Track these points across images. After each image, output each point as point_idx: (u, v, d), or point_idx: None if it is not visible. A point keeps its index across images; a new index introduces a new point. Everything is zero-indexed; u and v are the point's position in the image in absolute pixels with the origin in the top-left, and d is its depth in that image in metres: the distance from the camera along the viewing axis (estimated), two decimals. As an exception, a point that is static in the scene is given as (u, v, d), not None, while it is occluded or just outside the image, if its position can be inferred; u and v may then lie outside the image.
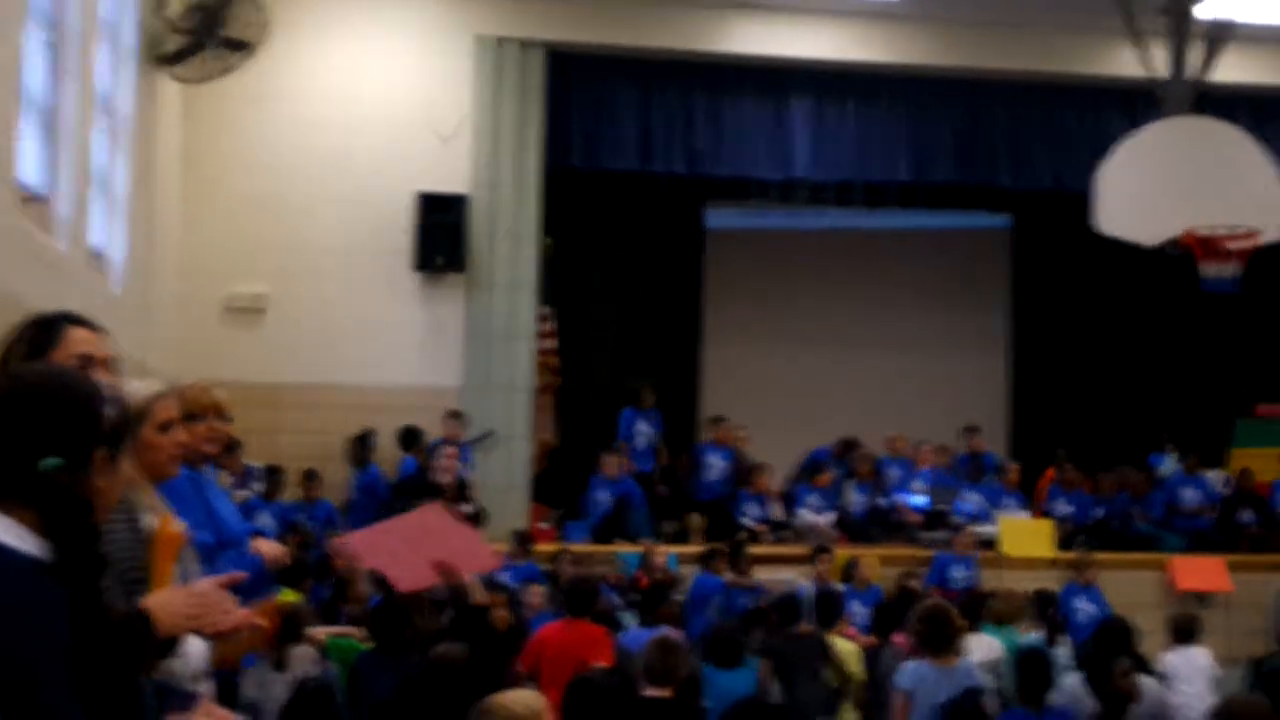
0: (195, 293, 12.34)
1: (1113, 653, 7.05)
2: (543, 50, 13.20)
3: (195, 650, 3.21)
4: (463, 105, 12.97)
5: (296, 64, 12.76)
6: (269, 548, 4.51)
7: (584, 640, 7.77)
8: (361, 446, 11.96)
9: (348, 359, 12.62)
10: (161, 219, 11.51)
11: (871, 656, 8.91)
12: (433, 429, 12.17)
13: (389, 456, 12.13)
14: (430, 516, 5.30)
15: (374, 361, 12.66)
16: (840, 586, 10.85)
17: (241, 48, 11.45)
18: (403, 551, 5.11)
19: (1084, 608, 11.33)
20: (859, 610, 10.60)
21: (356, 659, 7.25)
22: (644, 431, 13.29)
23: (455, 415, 12.26)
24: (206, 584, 2.90)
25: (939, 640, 6.60)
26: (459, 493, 10.36)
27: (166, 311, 11.75)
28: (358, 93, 12.92)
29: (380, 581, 8.70)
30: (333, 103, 12.85)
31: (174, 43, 11.18)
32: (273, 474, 11.48)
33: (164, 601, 2.78)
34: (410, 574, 5.18)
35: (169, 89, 11.66)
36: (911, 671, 6.60)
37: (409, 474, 11.61)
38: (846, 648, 8.92)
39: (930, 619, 6.69)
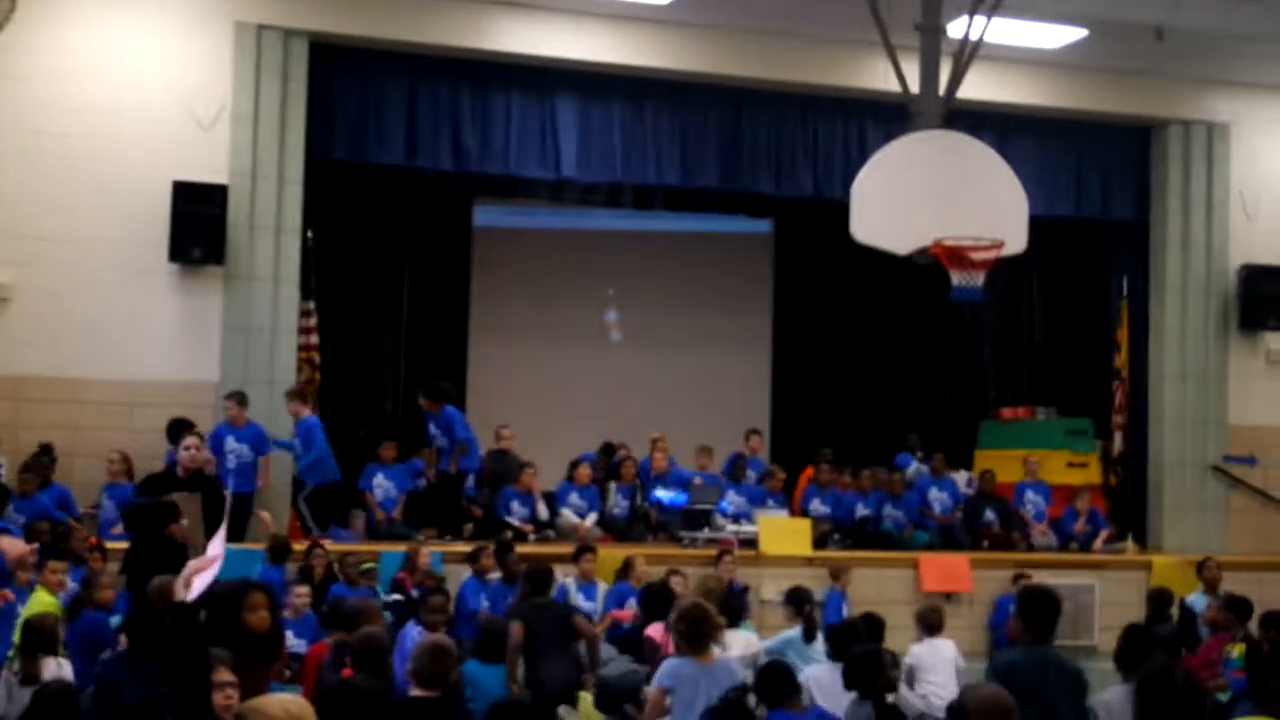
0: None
1: (866, 645, 7.29)
2: (306, 40, 12.92)
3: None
4: (223, 93, 12.59)
5: (46, 44, 12.21)
6: (11, 545, 4.34)
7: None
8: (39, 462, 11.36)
9: (98, 352, 12.13)
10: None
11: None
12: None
13: (159, 453, 11.64)
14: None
15: (127, 355, 12.19)
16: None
17: (-13, 26, 10.89)
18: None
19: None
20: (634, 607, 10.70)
21: (103, 666, 6.98)
22: (383, 485, 13.06)
23: (234, 397, 11.88)
24: None
25: (699, 639, 6.71)
26: (198, 484, 9.94)
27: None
28: (112, 76, 12.41)
29: (130, 583, 8.41)
30: (85, 86, 12.32)
31: (-88, 18, 10.57)
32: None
33: None
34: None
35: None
36: (671, 669, 6.69)
37: (165, 468, 11.14)
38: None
39: (690, 618, 6.79)
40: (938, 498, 14.61)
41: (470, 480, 13.03)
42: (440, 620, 8.53)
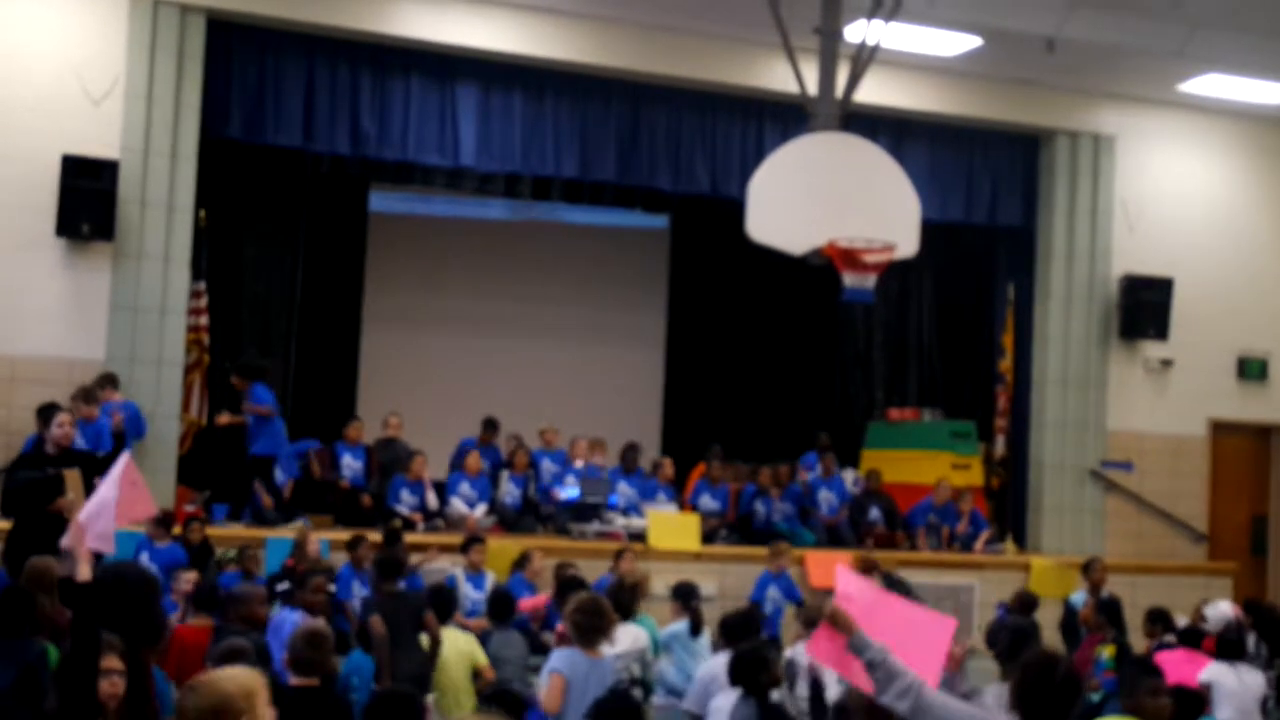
0: None
1: (746, 638, 7.37)
2: (203, 16, 12.72)
3: None
4: (116, 67, 12.35)
5: (-69, 9, 11.90)
6: None
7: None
8: None
9: (-22, 326, 11.86)
10: None
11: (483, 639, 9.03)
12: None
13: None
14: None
15: (10, 329, 11.92)
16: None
17: None
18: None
19: (774, 596, 11.83)
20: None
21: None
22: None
23: (107, 380, 11.68)
24: None
25: (593, 633, 6.71)
26: (70, 459, 9.71)
27: None
28: (1, 45, 12.12)
29: (10, 561, 8.23)
30: (-29, 53, 12.03)
31: None
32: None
33: None
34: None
35: None
36: (566, 657, 6.68)
37: (27, 448, 10.86)
38: (460, 637, 8.86)
39: (586, 610, 6.78)
40: (826, 497, 14.80)
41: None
42: (321, 600, 8.45)
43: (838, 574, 5.15)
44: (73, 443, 9.78)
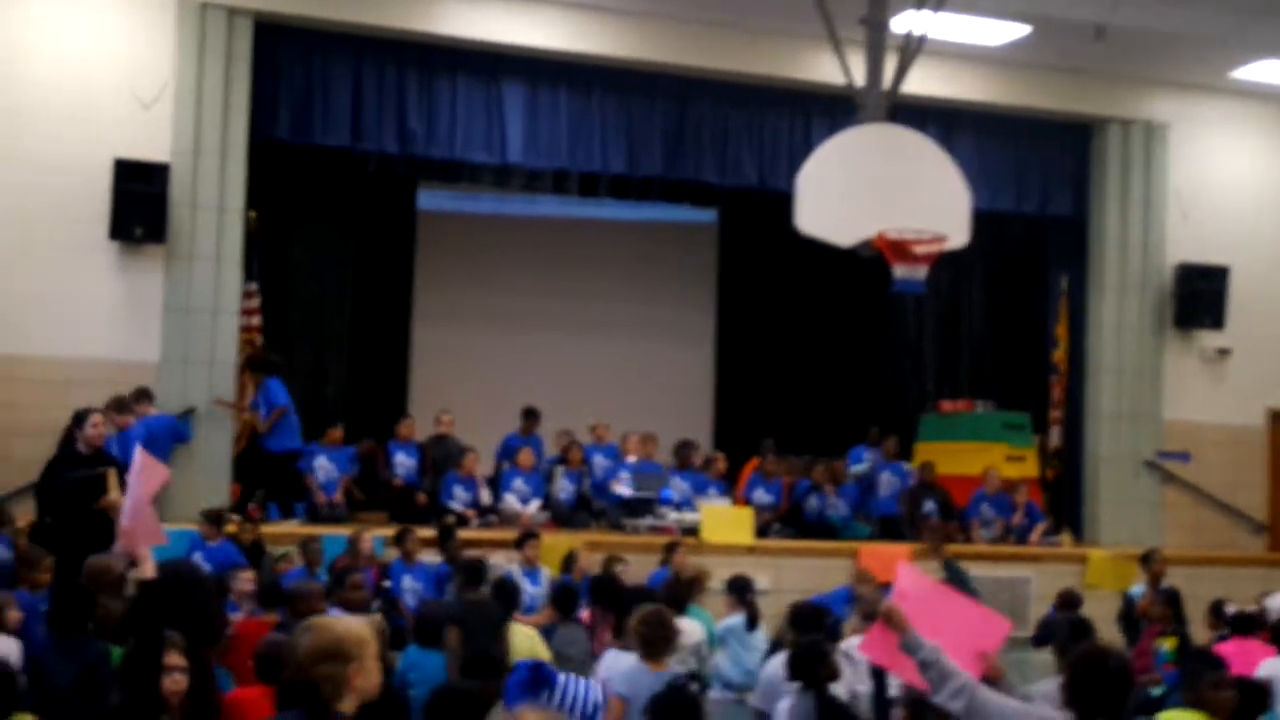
0: None
1: (818, 629, 7.33)
2: (250, 19, 12.80)
3: None
4: (165, 71, 12.47)
5: (-15, 17, 12.05)
6: None
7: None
8: None
9: (37, 330, 12.01)
10: None
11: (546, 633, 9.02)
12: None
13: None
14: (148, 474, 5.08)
15: (66, 333, 12.07)
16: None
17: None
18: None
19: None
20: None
21: (31, 647, 6.89)
22: (325, 467, 12.99)
23: (142, 394, 11.82)
24: None
25: (658, 644, 6.62)
26: (103, 459, 9.81)
27: None
28: (53, 52, 12.26)
29: (63, 563, 8.30)
30: (25, 60, 12.17)
31: None
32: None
33: None
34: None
35: None
36: (628, 677, 6.59)
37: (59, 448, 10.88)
38: (524, 632, 8.87)
39: (651, 622, 6.68)
40: (889, 480, 14.72)
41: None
42: (360, 597, 8.47)
43: (899, 571, 5.13)
44: (105, 443, 9.88)
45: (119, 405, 11.42)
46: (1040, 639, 10.72)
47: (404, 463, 13.43)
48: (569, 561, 11.21)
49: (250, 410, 12.76)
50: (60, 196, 12.12)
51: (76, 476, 9.34)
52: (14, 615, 6.96)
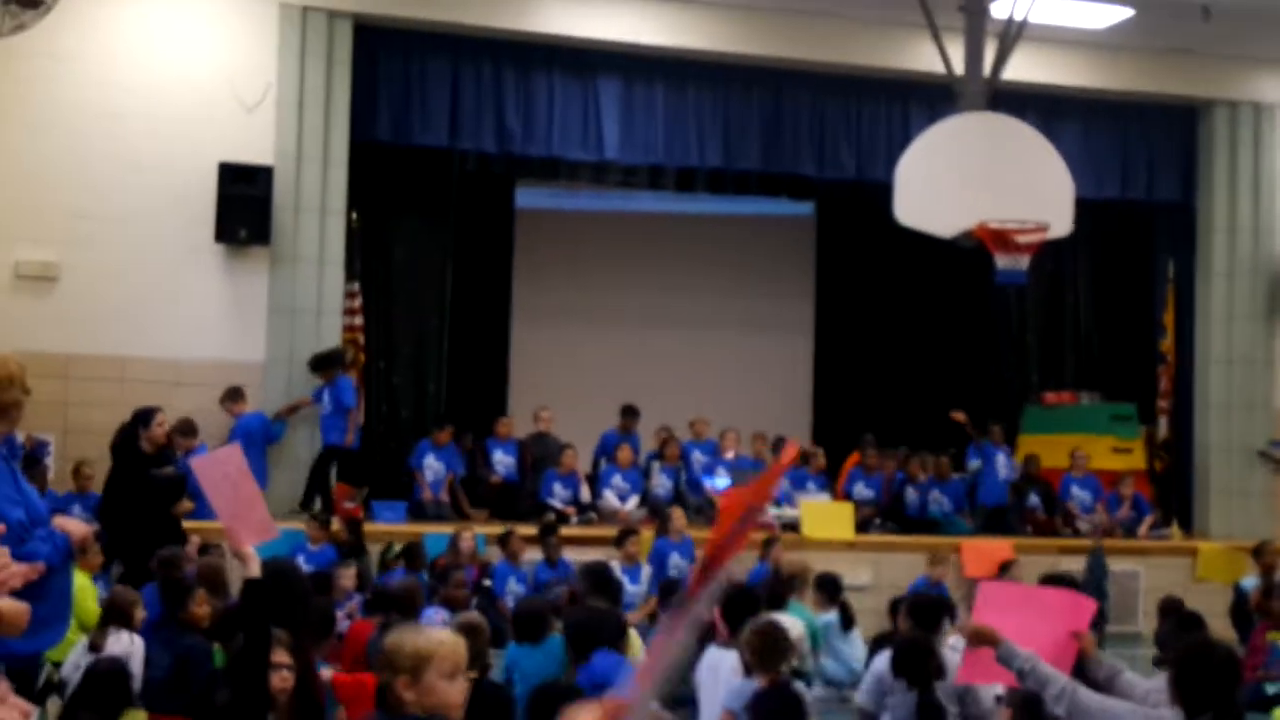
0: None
1: (937, 623, 7.24)
2: (350, 21, 12.97)
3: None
4: (267, 75, 12.67)
5: (94, 24, 12.33)
6: (75, 526, 4.42)
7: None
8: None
9: (145, 331, 12.27)
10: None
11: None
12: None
13: (207, 431, 11.70)
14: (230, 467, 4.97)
15: (173, 334, 12.33)
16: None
17: (36, 5, 10.94)
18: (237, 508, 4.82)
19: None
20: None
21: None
22: (434, 466, 13.11)
23: (236, 392, 12.14)
24: None
25: (773, 656, 6.48)
26: (166, 459, 9.92)
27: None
28: (158, 56, 12.52)
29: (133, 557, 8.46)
30: (133, 66, 12.44)
31: (-38, -1, 10.64)
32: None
33: None
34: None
35: (-45, 47, 11.13)
36: (740, 690, 6.48)
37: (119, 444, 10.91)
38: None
39: (765, 635, 6.55)
40: (1004, 464, 14.51)
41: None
42: (462, 595, 8.49)
43: (980, 590, 5.18)
44: (169, 442, 10.04)
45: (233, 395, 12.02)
46: (1160, 660, 10.51)
47: (503, 460, 13.53)
48: (663, 526, 11.20)
49: (312, 404, 12.77)
50: (167, 200, 12.37)
51: (169, 478, 9.48)
52: (140, 614, 7.10)
